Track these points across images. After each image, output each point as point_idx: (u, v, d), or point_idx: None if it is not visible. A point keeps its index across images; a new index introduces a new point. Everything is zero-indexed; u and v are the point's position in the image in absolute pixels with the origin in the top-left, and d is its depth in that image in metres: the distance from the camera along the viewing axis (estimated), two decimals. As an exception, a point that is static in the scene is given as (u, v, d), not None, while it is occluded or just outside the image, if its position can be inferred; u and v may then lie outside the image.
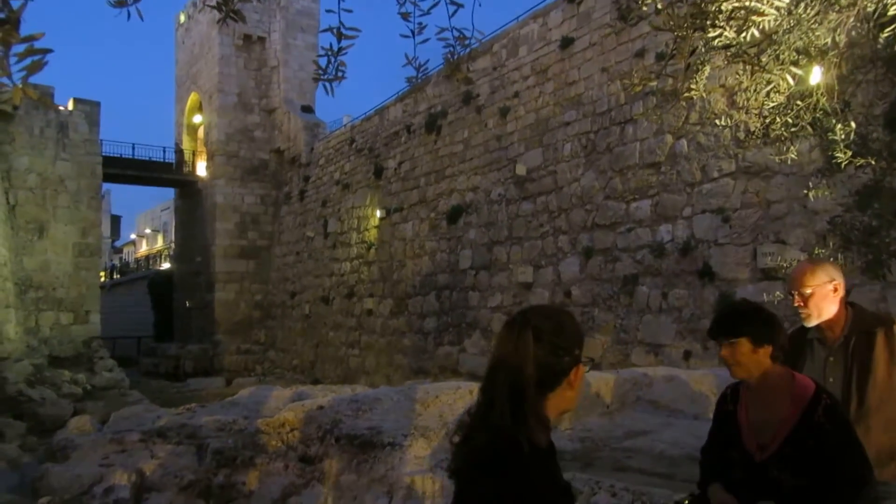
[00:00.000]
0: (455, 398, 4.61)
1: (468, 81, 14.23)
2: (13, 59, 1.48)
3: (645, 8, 2.98)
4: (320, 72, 2.47)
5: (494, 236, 14.34)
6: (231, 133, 25.38)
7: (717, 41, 2.74)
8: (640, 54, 11.35)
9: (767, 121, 3.53)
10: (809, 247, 8.08)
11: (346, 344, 19.90)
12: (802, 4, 2.86)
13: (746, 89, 3.42)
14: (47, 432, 10.04)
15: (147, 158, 27.18)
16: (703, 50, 3.04)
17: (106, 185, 28.16)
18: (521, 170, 13.70)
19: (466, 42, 2.66)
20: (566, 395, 1.44)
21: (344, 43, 2.43)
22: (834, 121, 3.38)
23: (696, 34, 2.84)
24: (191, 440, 4.75)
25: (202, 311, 25.72)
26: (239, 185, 25.47)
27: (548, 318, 1.44)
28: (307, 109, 25.26)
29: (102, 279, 31.35)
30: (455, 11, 2.57)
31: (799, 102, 3.37)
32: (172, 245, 33.47)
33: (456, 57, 2.71)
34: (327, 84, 2.50)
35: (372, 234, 19.23)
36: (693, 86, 3.19)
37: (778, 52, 3.00)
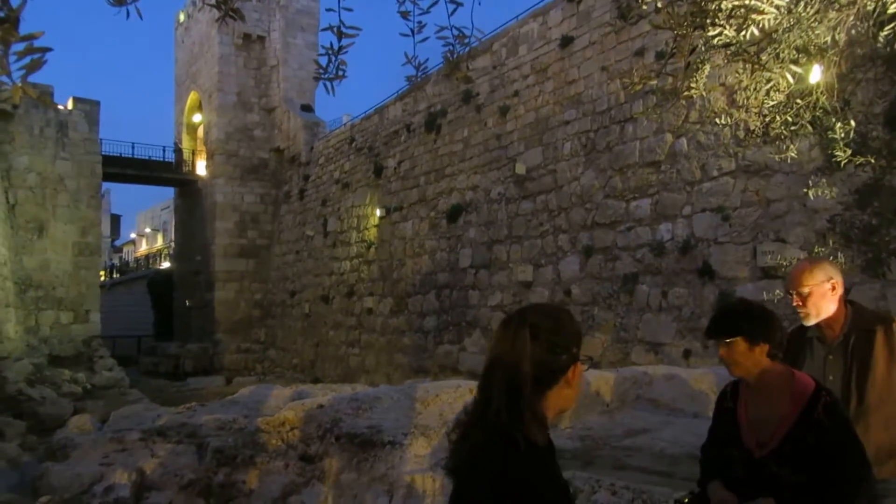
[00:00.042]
0: (455, 397, 4.62)
1: (468, 80, 14.23)
2: (12, 57, 1.48)
3: (645, 6, 2.98)
4: (321, 71, 2.47)
5: (494, 235, 14.34)
6: (231, 132, 25.37)
7: (716, 40, 2.74)
8: (640, 53, 11.35)
9: (767, 119, 3.53)
10: (809, 245, 8.08)
11: (346, 343, 19.91)
12: (802, 3, 2.86)
13: (746, 88, 3.42)
14: (47, 431, 10.04)
15: (147, 157, 27.18)
16: (702, 48, 3.04)
17: (106, 185, 28.14)
18: (520, 169, 13.70)
19: (466, 41, 2.66)
20: (564, 393, 1.44)
21: (344, 42, 2.43)
22: (834, 119, 3.38)
23: (696, 33, 2.84)
24: (191, 439, 4.75)
25: (202, 310, 25.72)
26: (239, 184, 25.47)
27: (545, 316, 1.44)
28: (307, 108, 25.25)
29: (102, 278, 31.34)
30: (454, 10, 2.57)
31: (799, 101, 3.37)
32: (172, 244, 33.48)
33: (455, 56, 2.71)
34: (328, 83, 2.50)
35: (372, 233, 19.23)
36: (693, 84, 3.19)
37: (778, 50, 3.00)
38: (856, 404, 2.40)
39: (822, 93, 3.36)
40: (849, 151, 3.39)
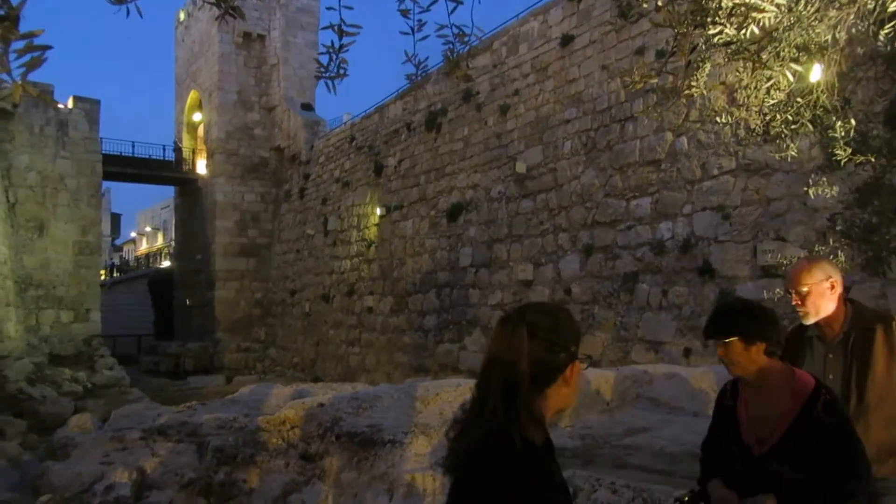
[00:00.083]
0: (455, 396, 4.62)
1: (468, 79, 14.22)
2: (12, 55, 1.48)
3: (645, 5, 2.98)
4: (322, 69, 2.47)
5: (494, 234, 14.34)
6: (231, 131, 25.37)
7: (717, 38, 2.73)
8: (641, 52, 11.34)
9: (768, 118, 3.53)
10: (809, 244, 8.08)
11: (347, 342, 19.91)
12: (802, 1, 2.86)
13: (747, 86, 3.41)
14: (48, 430, 10.05)
15: (147, 156, 27.19)
16: (703, 47, 3.04)
17: (106, 184, 28.17)
18: (521, 167, 13.70)
19: (466, 39, 2.66)
20: (563, 392, 1.43)
21: (345, 40, 2.43)
22: (834, 118, 3.38)
23: (697, 31, 2.84)
24: (191, 438, 4.76)
25: (202, 309, 25.73)
26: (239, 183, 25.47)
27: (544, 314, 1.44)
28: (307, 107, 25.24)
29: (103, 277, 31.36)
30: (455, 8, 2.57)
31: (799, 99, 3.37)
32: (172, 243, 33.48)
33: (455, 54, 2.71)
34: (329, 81, 2.50)
35: (372, 232, 19.23)
36: (693, 83, 3.19)
37: (778, 49, 3.00)
38: (856, 403, 2.39)
39: (822, 91, 3.36)
40: (849, 150, 3.39)
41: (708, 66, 3.20)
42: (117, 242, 58.21)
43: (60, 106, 19.99)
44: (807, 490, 1.93)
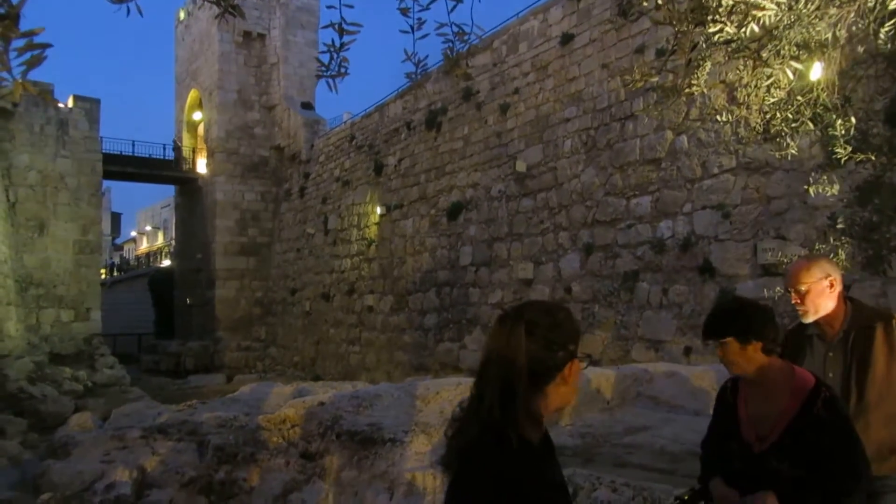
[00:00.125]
0: (456, 394, 4.62)
1: (468, 77, 14.21)
2: (13, 53, 1.48)
3: (645, 3, 2.98)
4: (323, 68, 2.47)
5: (495, 233, 14.34)
6: (231, 130, 25.37)
7: (717, 36, 2.73)
8: (641, 50, 11.34)
9: (768, 116, 3.53)
10: (810, 242, 8.08)
11: (347, 341, 19.92)
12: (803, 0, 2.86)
13: (747, 85, 3.41)
14: (48, 429, 10.06)
15: (147, 156, 27.20)
16: (703, 45, 3.03)
17: (106, 183, 28.15)
18: (521, 166, 13.70)
19: (465, 38, 2.65)
20: (561, 390, 1.42)
21: (346, 38, 2.43)
22: (834, 116, 3.37)
23: (697, 29, 2.84)
24: (192, 437, 4.76)
25: (203, 308, 25.74)
26: (239, 182, 25.48)
27: (542, 312, 1.43)
28: (307, 106, 25.24)
29: (103, 276, 31.35)
30: (454, 7, 2.57)
31: (799, 98, 3.37)
32: (173, 242, 33.49)
33: (455, 53, 2.71)
34: (331, 80, 2.50)
35: (372, 231, 19.23)
36: (694, 81, 3.19)
37: (778, 47, 3.00)
38: (856, 401, 2.39)
39: (822, 89, 3.36)
40: (849, 148, 3.38)
41: (708, 64, 3.20)
42: (117, 241, 58.22)
43: (60, 105, 20.00)
44: (806, 487, 1.94)
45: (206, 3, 23.42)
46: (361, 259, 19.65)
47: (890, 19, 2.71)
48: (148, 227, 54.49)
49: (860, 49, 3.47)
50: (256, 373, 23.06)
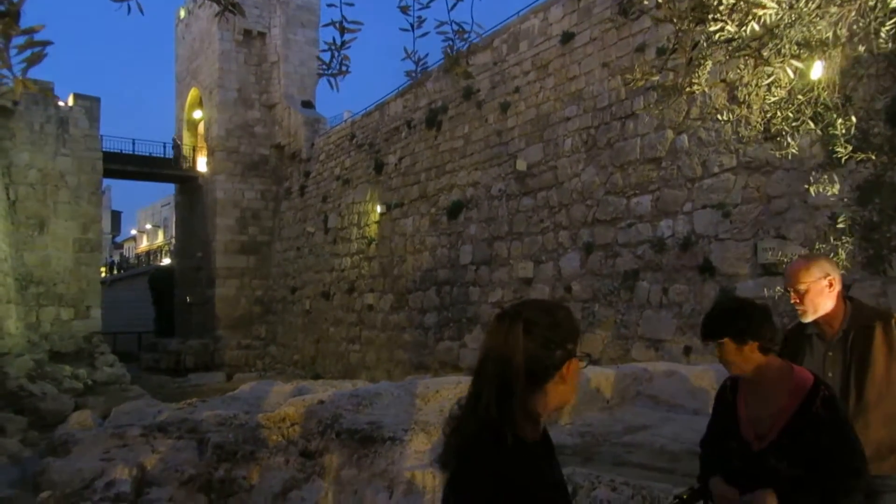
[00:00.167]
0: (455, 393, 4.62)
1: (468, 76, 14.15)
2: (13, 51, 1.47)
3: (646, 2, 2.98)
4: (324, 66, 2.47)
5: (495, 231, 14.34)
6: (231, 129, 25.37)
7: (718, 35, 2.73)
8: (641, 49, 11.33)
9: (768, 115, 3.53)
10: (810, 242, 8.07)
11: (347, 339, 19.93)
12: (804, -2, 2.86)
13: (747, 84, 3.41)
14: (48, 427, 10.06)
15: (147, 154, 27.20)
16: (704, 44, 3.03)
17: (106, 181, 28.16)
18: (521, 165, 13.69)
19: (466, 36, 2.65)
20: (559, 389, 1.42)
21: (347, 37, 2.42)
22: (835, 115, 3.37)
23: (698, 28, 2.84)
24: (192, 435, 4.76)
25: (203, 306, 25.75)
26: (239, 181, 25.48)
27: (541, 311, 1.43)
28: (307, 105, 25.24)
29: (103, 275, 31.36)
30: (454, 5, 2.56)
31: (800, 97, 3.36)
32: (173, 241, 33.49)
33: (455, 51, 2.71)
34: (332, 78, 2.50)
35: (372, 230, 19.23)
36: (694, 80, 3.18)
37: (779, 46, 3.00)
38: (855, 401, 2.39)
39: (823, 88, 3.35)
40: (850, 147, 3.38)
41: (709, 63, 3.19)
42: (118, 240, 58.24)
43: (61, 103, 20.00)
44: (805, 486, 1.94)
45: (206, 1, 23.44)
46: (361, 258, 19.65)
47: (890, 18, 2.71)
48: (148, 226, 54.48)
49: (861, 48, 3.47)
50: (256, 371, 23.09)
